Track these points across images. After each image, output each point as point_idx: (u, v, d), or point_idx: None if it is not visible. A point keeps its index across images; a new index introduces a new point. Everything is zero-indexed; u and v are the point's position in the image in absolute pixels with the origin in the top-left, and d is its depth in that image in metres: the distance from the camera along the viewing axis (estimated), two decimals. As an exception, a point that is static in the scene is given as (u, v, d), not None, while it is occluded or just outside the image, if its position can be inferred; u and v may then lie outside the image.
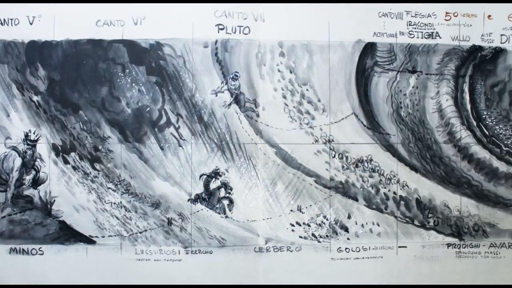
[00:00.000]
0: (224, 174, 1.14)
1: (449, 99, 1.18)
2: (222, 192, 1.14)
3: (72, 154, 1.14)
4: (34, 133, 1.14)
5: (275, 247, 1.14)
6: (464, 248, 1.16)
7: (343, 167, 1.16)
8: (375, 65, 1.17)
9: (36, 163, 1.14)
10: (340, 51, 1.16)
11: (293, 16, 1.15)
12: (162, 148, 1.14)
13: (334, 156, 1.16)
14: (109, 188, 1.14)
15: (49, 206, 1.13)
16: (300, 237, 1.15)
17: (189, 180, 1.14)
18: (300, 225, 1.15)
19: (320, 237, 1.15)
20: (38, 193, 1.14)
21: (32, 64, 1.14)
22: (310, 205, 1.15)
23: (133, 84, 1.14)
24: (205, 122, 1.14)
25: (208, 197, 1.14)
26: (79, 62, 1.14)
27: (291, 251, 1.14)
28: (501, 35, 1.19)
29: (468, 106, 1.18)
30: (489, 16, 1.18)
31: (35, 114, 1.14)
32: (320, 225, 1.15)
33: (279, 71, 1.15)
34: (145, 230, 1.14)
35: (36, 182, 1.14)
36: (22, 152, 1.14)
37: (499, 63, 1.19)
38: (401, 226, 1.16)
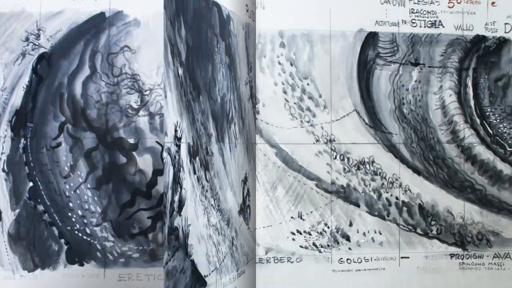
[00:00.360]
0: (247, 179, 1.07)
1: (452, 95, 1.17)
2: (247, 200, 1.06)
3: (197, 158, 0.86)
4: (179, 126, 0.80)
5: (275, 258, 1.11)
6: (467, 259, 1.15)
7: (344, 169, 1.13)
8: (377, 57, 1.15)
9: (180, 174, 0.80)
10: (341, 41, 1.14)
11: (294, 3, 1.12)
12: (230, 149, 0.98)
13: (336, 158, 1.13)
14: (211, 205, 0.90)
15: (186, 241, 0.81)
16: (301, 246, 1.11)
17: (239, 187, 1.02)
18: (301, 233, 1.12)
19: (321, 246, 1.12)
20: (182, 221, 0.80)
21: (178, 16, 0.79)
22: (311, 212, 1.12)
23: (221, 65, 0.93)
24: (242, 117, 1.04)
25: (243, 207, 1.04)
26: (200, 21, 0.82)
27: (292, 262, 1.11)
28: (505, 23, 1.18)
29: (472, 102, 1.17)
30: (492, 3, 1.17)
31: (179, 97, 0.81)
32: (321, 233, 1.12)
33: (279, 63, 1.12)
34: (225, 257, 0.93)
35: (180, 205, 0.80)
36: (173, 157, 0.78)
37: (503, 54, 1.18)
38: (403, 235, 1.14)
